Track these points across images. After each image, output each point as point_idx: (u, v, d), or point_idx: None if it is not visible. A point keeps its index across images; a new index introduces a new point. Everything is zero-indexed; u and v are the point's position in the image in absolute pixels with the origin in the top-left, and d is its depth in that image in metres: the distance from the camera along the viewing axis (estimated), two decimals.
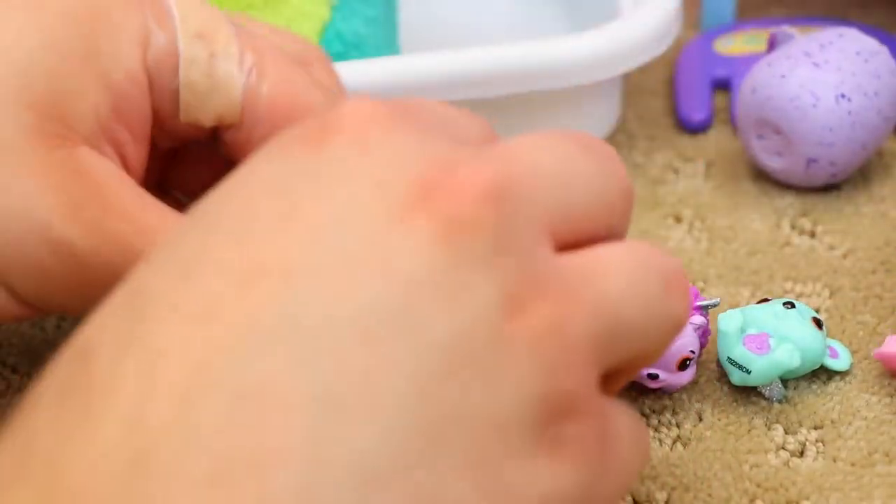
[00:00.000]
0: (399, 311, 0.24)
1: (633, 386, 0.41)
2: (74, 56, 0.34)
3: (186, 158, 0.40)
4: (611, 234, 0.29)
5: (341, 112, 0.27)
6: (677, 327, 0.29)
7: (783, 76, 0.47)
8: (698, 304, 0.41)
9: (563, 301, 0.26)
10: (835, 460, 0.38)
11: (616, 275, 0.27)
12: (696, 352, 0.40)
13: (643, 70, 0.53)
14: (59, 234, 0.33)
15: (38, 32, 0.34)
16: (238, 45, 0.36)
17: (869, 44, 0.48)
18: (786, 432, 0.39)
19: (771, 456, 0.38)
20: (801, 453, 0.38)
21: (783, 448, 0.39)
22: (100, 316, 0.25)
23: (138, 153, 0.36)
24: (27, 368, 0.43)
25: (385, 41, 0.51)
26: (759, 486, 0.37)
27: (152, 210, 0.34)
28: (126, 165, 0.36)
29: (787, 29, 0.50)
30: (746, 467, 0.38)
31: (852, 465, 0.38)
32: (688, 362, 0.39)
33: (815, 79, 0.47)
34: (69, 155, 0.34)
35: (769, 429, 0.39)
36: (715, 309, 0.42)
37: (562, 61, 0.48)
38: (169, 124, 0.37)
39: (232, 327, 0.24)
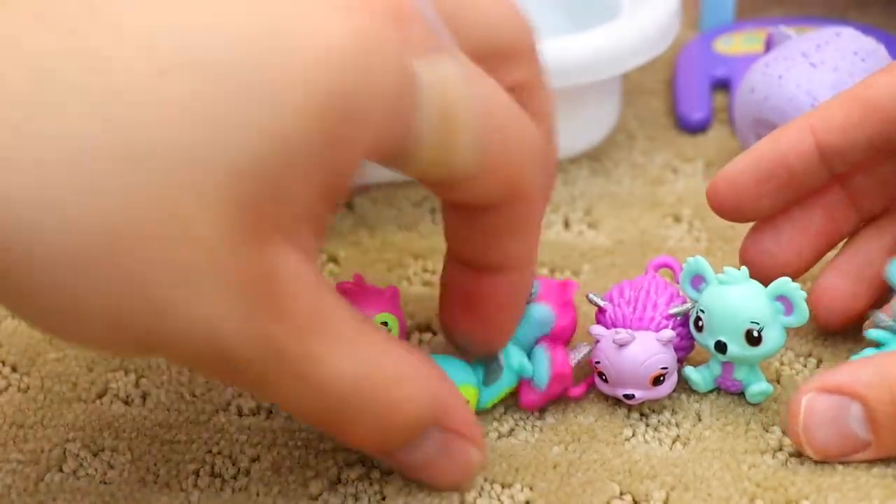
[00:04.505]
0: None
1: None
2: (302, 155, 0.29)
3: None
4: None
5: None
6: None
7: (780, 76, 0.47)
8: (670, 312, 0.40)
9: None
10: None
11: None
12: (670, 366, 0.39)
13: (643, 70, 0.54)
14: (224, 344, 0.30)
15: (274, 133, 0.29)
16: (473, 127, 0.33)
17: (866, 43, 0.48)
18: (784, 433, 0.39)
19: (770, 456, 0.38)
20: (800, 453, 0.38)
21: (782, 448, 0.39)
22: None
23: (327, 218, 0.32)
24: (27, 368, 0.43)
25: None
26: (758, 485, 0.37)
27: (322, 316, 0.31)
28: (316, 234, 0.32)
29: (783, 29, 0.50)
30: (745, 467, 0.38)
31: (851, 465, 0.38)
32: (661, 378, 0.39)
33: (812, 79, 0.47)
34: (260, 254, 0.30)
35: (767, 429, 0.39)
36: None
37: (562, 61, 0.48)
38: None
39: None
